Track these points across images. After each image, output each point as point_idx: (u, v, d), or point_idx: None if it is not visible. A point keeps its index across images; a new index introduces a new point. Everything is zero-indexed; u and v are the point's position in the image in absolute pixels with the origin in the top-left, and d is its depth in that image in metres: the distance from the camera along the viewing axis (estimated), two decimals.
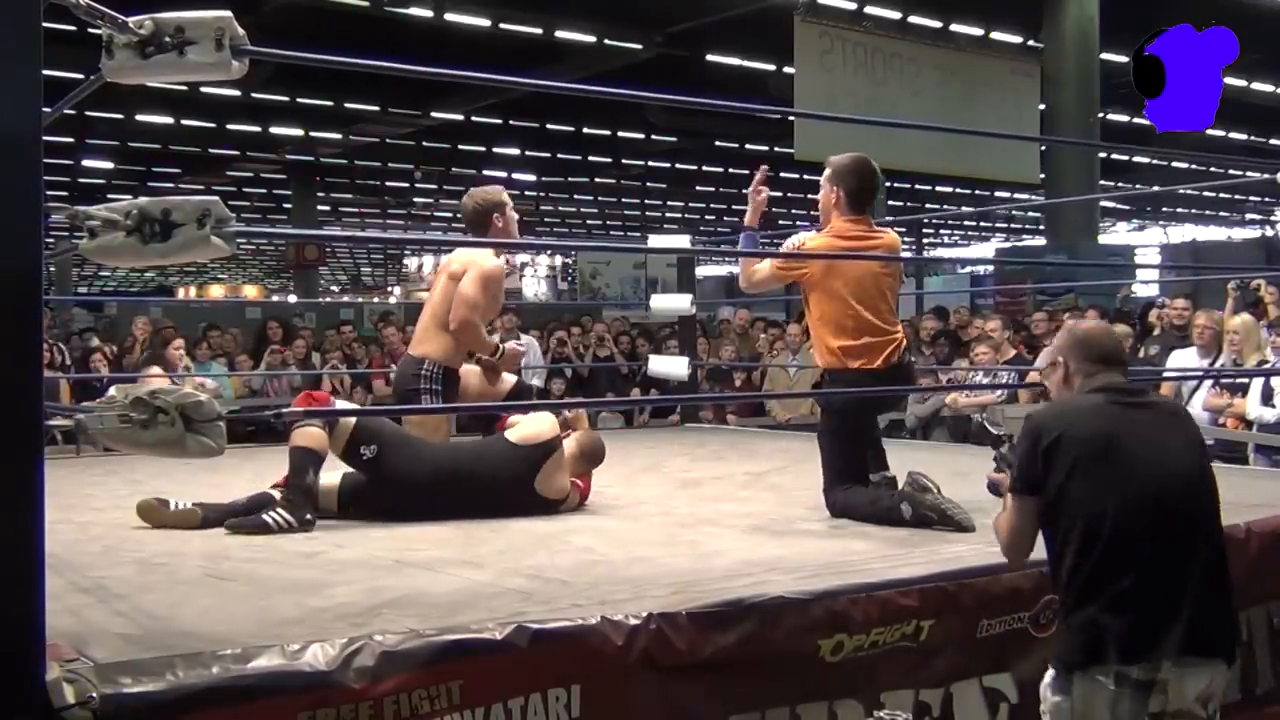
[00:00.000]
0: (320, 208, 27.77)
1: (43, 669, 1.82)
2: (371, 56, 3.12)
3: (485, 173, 25.66)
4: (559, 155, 23.56)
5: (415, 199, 29.71)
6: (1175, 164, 25.74)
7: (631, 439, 6.74)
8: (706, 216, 34.37)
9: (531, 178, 25.28)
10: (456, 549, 3.27)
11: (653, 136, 21.83)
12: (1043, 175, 16.64)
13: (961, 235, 39.75)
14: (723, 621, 2.43)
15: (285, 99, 17.93)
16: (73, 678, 1.85)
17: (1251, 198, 32.15)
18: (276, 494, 3.80)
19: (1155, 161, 25.26)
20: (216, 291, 38.35)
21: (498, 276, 4.47)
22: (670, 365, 6.27)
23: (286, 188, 26.07)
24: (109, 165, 22.80)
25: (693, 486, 4.63)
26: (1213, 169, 24.13)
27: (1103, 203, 24.86)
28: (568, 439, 4.06)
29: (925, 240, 35.39)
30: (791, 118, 15.72)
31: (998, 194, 23.76)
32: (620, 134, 21.92)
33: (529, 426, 4.01)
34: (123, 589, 2.74)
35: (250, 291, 39.60)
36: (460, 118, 19.43)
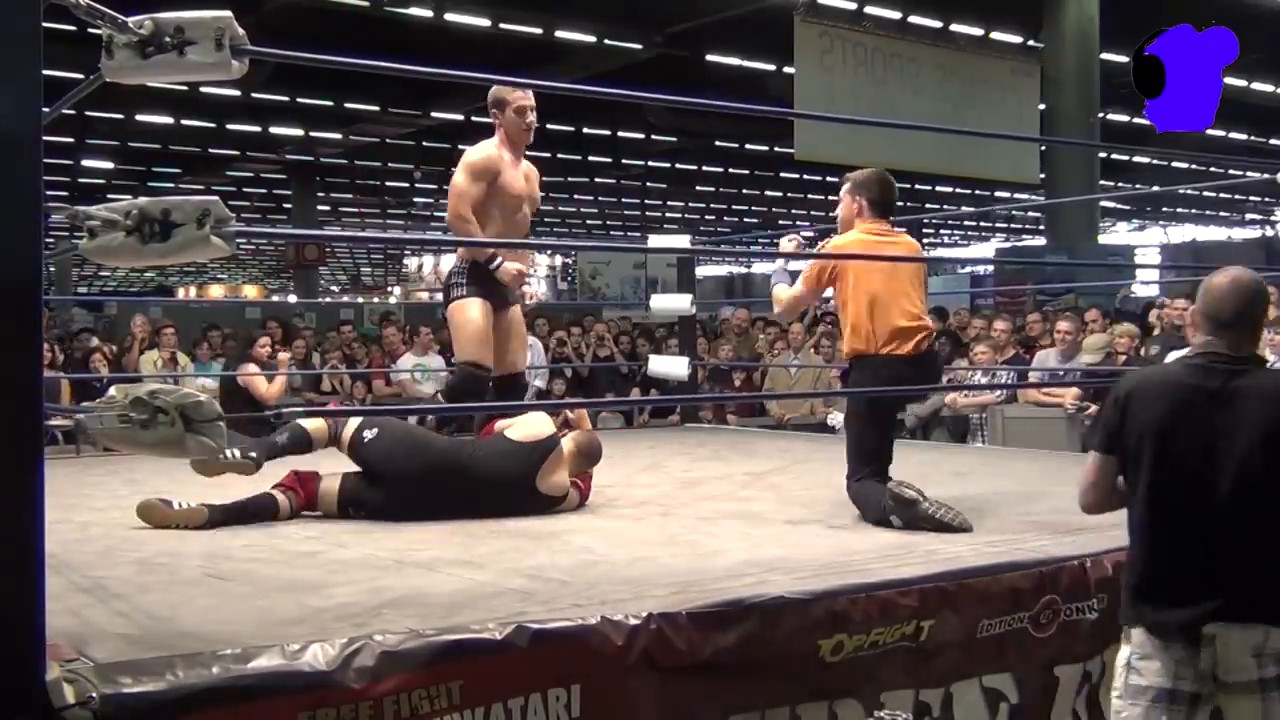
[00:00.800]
0: (320, 208, 27.76)
1: (43, 669, 1.82)
2: (371, 56, 3.12)
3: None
4: (559, 155, 23.55)
5: (415, 199, 29.70)
6: (1175, 164, 25.74)
7: (631, 439, 6.74)
8: (706, 216, 34.36)
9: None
10: (456, 549, 3.27)
11: (653, 136, 21.82)
12: (1043, 175, 16.64)
13: (961, 235, 39.76)
14: (723, 621, 2.43)
15: (285, 99, 17.93)
16: (73, 678, 1.84)
17: (1251, 198, 32.15)
18: (278, 494, 3.81)
19: (1155, 161, 25.26)
20: (216, 291, 38.35)
21: (478, 163, 4.51)
22: (670, 365, 6.27)
23: (286, 188, 26.07)
24: (109, 165, 22.80)
25: (693, 486, 4.62)
26: (1213, 169, 24.13)
27: (1103, 203, 24.86)
28: (565, 438, 4.06)
29: (925, 240, 35.39)
30: (791, 118, 15.72)
31: (998, 194, 23.76)
32: (620, 134, 21.92)
33: (528, 425, 4.01)
34: (123, 589, 2.73)
35: (250, 291, 39.60)
36: (460, 118, 19.42)
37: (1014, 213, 33.40)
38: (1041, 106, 15.70)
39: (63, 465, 5.55)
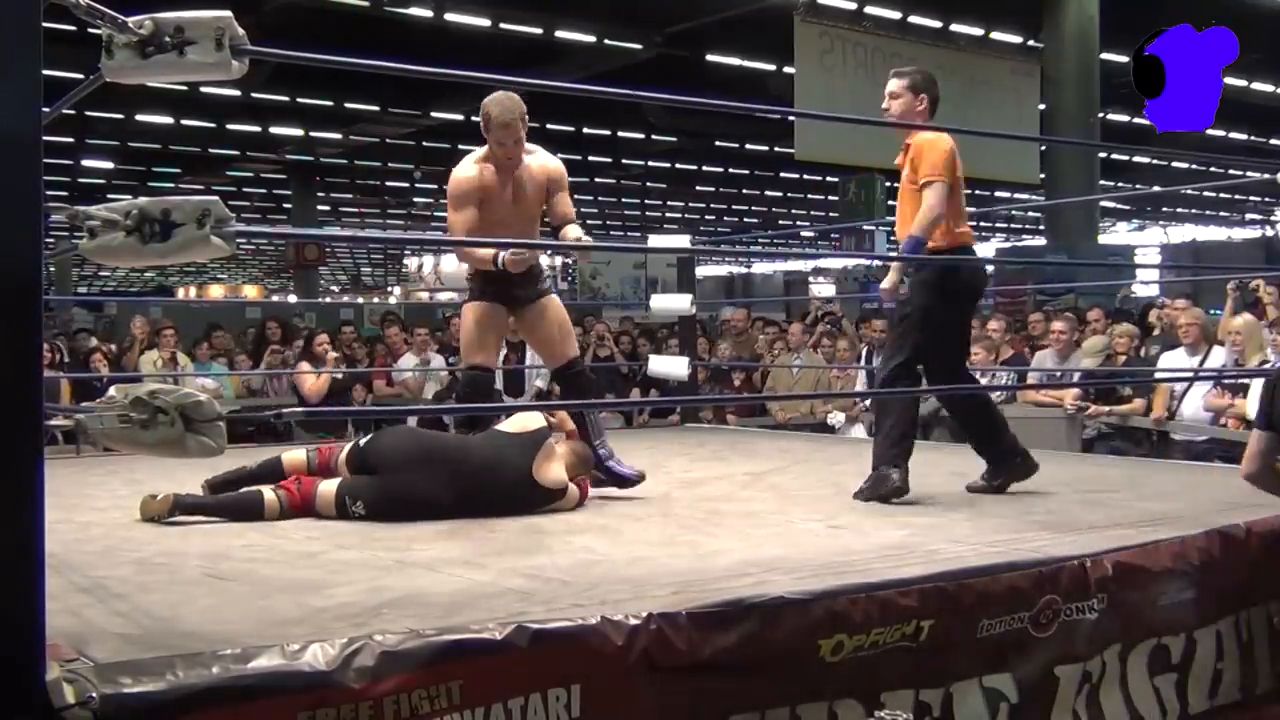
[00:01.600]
0: (320, 208, 27.78)
1: (43, 669, 1.82)
2: (371, 56, 3.12)
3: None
4: (559, 155, 23.56)
5: (415, 199, 29.72)
6: (1175, 164, 25.76)
7: (631, 439, 6.73)
8: (706, 216, 34.38)
9: None
10: (456, 549, 3.27)
11: (653, 136, 21.83)
12: (1043, 175, 16.64)
13: None
14: (723, 621, 2.43)
15: (285, 99, 17.94)
16: (73, 678, 1.84)
17: (1251, 198, 32.17)
18: (267, 492, 3.82)
19: (1155, 161, 25.27)
20: (216, 291, 38.34)
21: (457, 191, 4.44)
22: (670, 365, 6.27)
23: (286, 188, 26.09)
24: (109, 165, 22.82)
25: (693, 486, 4.62)
26: (1213, 169, 24.15)
27: (1103, 203, 24.87)
28: (555, 437, 4.07)
29: None
30: (791, 118, 15.72)
31: (998, 194, 23.76)
32: (620, 134, 21.93)
33: (520, 418, 4.06)
34: (123, 589, 2.74)
35: (250, 291, 39.60)
36: (460, 118, 19.42)
37: (1014, 213, 33.40)
38: (1041, 106, 15.71)
39: (63, 465, 5.55)
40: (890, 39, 14.96)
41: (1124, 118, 17.84)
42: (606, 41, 15.61)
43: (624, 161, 24.44)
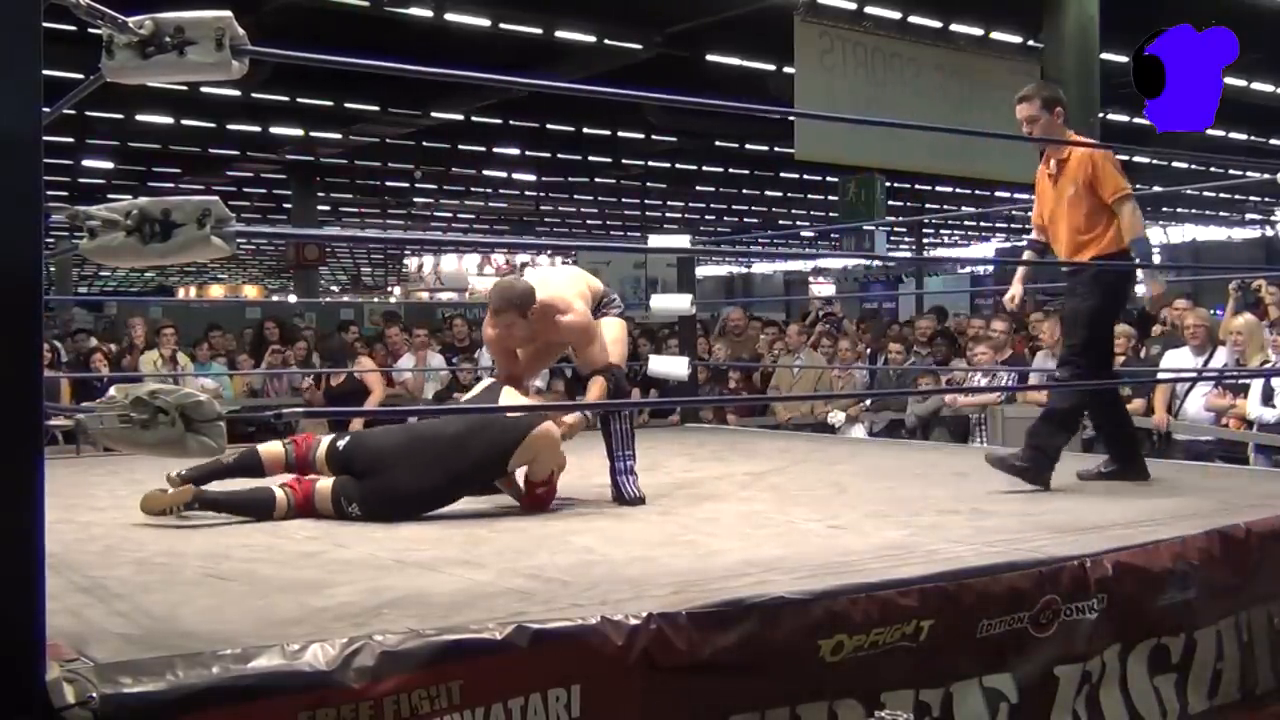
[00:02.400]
0: (320, 208, 27.76)
1: (43, 669, 1.82)
2: (371, 56, 3.12)
3: (485, 173, 25.68)
4: (559, 155, 23.55)
5: (415, 199, 29.71)
6: (1175, 164, 25.73)
7: None
8: (706, 216, 34.37)
9: (531, 178, 25.28)
10: (456, 549, 3.27)
11: (653, 136, 21.82)
12: None
13: (961, 235, 39.75)
14: (723, 621, 2.43)
15: (285, 99, 17.93)
16: (73, 678, 1.84)
17: (1251, 198, 32.16)
18: (278, 490, 3.82)
19: (1155, 161, 25.25)
20: (216, 291, 38.37)
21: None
22: (670, 365, 6.26)
23: (286, 188, 26.07)
24: (109, 165, 22.81)
25: (693, 486, 4.63)
26: (1213, 169, 24.13)
27: None
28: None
29: (925, 240, 35.39)
30: (791, 118, 15.71)
31: (998, 194, 23.75)
32: (620, 134, 21.91)
33: (512, 395, 4.12)
34: (123, 589, 2.74)
35: (250, 291, 39.61)
36: (460, 118, 19.43)
37: (1014, 213, 33.38)
38: None
39: (63, 465, 5.55)
40: (890, 39, 14.95)
41: (1124, 118, 17.83)
42: (606, 41, 15.60)
43: (624, 161, 24.42)
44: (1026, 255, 4.81)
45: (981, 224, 36.93)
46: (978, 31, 15.91)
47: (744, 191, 29.72)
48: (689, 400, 7.64)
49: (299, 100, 18.12)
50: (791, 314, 13.14)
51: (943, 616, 2.71)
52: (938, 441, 7.49)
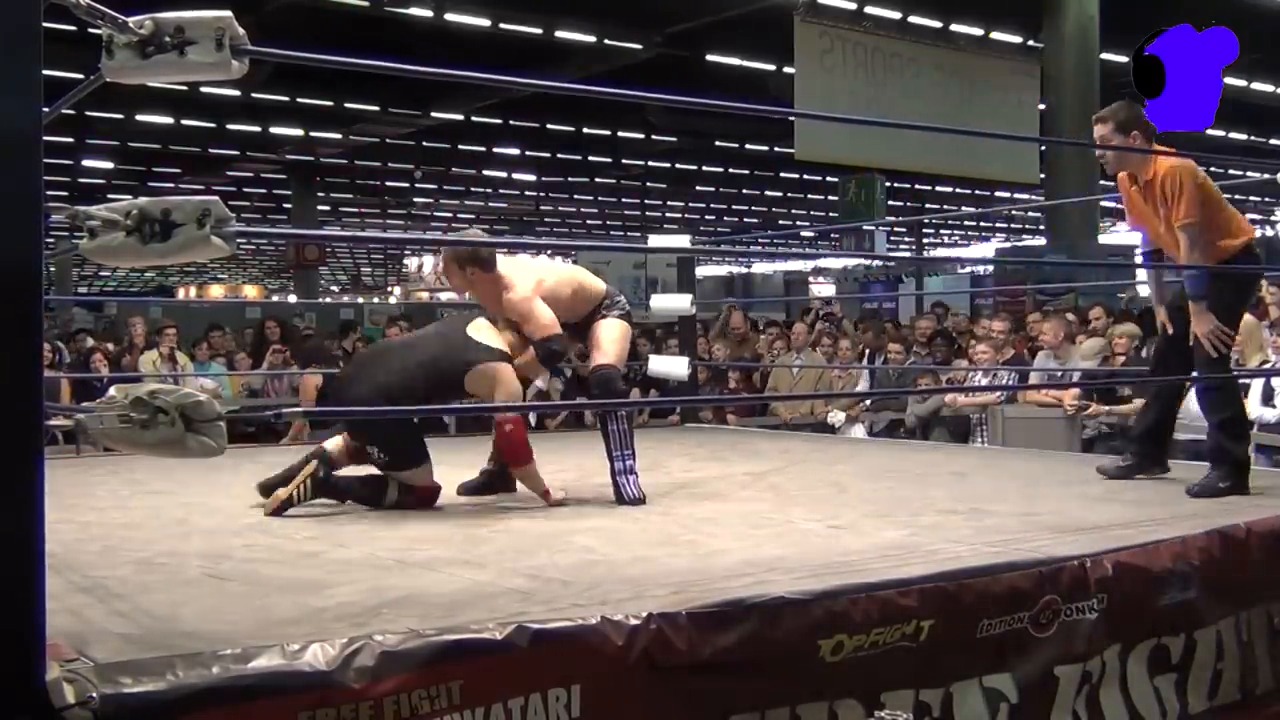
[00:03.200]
0: (320, 208, 27.79)
1: (43, 669, 1.82)
2: (371, 56, 3.12)
3: (485, 173, 25.69)
4: (559, 155, 23.57)
5: (415, 199, 29.73)
6: None
7: None
8: (706, 216, 34.39)
9: (531, 178, 25.30)
10: (456, 549, 3.27)
11: (653, 136, 21.84)
12: (1043, 175, 16.63)
13: (961, 235, 39.77)
14: (723, 621, 2.43)
15: (285, 99, 17.95)
16: (73, 678, 1.84)
17: (1251, 198, 32.17)
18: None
19: None
20: (216, 291, 38.37)
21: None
22: (670, 365, 6.26)
23: (286, 188, 26.09)
24: (109, 165, 22.83)
25: (693, 486, 4.62)
26: (1213, 169, 24.11)
27: (1103, 203, 24.84)
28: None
29: (925, 240, 35.39)
30: (791, 118, 15.72)
31: (998, 194, 23.76)
32: (620, 134, 21.94)
33: (492, 334, 4.21)
34: (123, 589, 2.73)
35: (250, 291, 39.62)
36: (460, 118, 19.44)
37: (1014, 213, 33.40)
38: (1041, 106, 15.70)
39: (63, 465, 5.55)
40: (890, 39, 14.97)
41: None
42: (606, 41, 15.61)
43: (624, 161, 24.45)
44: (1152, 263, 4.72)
45: (981, 224, 36.95)
46: (978, 31, 15.93)
47: (744, 191, 29.75)
48: (689, 400, 7.64)
49: (299, 100, 18.13)
50: (792, 314, 13.13)
51: (943, 616, 2.70)
52: (938, 441, 7.49)
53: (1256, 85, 17.74)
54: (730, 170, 26.66)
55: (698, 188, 29.45)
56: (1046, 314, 8.72)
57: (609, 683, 2.28)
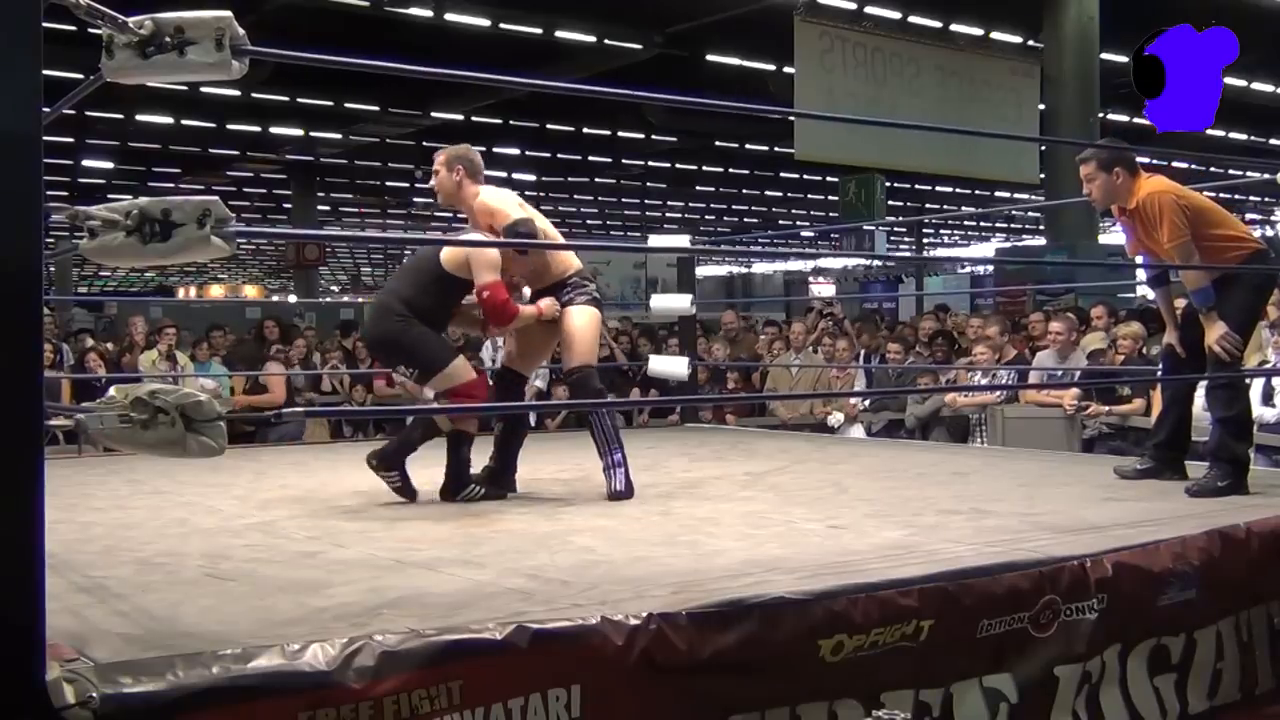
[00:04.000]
0: (320, 208, 27.77)
1: (43, 669, 1.82)
2: (371, 56, 3.12)
3: (485, 173, 25.64)
4: (559, 155, 23.56)
5: (415, 199, 29.71)
6: (1175, 164, 25.73)
7: (631, 439, 6.73)
8: (706, 216, 34.38)
9: (531, 178, 25.29)
10: (456, 549, 3.27)
11: (653, 136, 21.83)
12: (1042, 175, 16.63)
13: (961, 235, 39.76)
14: (723, 621, 2.43)
15: (285, 99, 17.94)
16: (73, 678, 1.84)
17: (1251, 198, 32.16)
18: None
19: (1155, 161, 25.20)
20: (216, 291, 38.35)
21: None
22: (670, 365, 6.27)
23: (286, 188, 26.08)
24: (109, 165, 22.82)
25: (693, 486, 4.63)
26: (1213, 169, 24.14)
27: None
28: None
29: (925, 240, 35.39)
30: (791, 118, 15.72)
31: (998, 194, 23.75)
32: (620, 134, 21.93)
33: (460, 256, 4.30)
34: (123, 589, 2.74)
35: (250, 291, 39.60)
36: (460, 118, 19.42)
37: (1014, 213, 33.39)
38: (1041, 106, 15.70)
39: (63, 465, 5.55)
40: (890, 39, 14.97)
41: (1124, 118, 17.84)
42: (606, 41, 15.61)
43: (624, 161, 24.43)
44: (1158, 290, 4.75)
45: (981, 224, 36.94)
46: (978, 31, 15.92)
47: (744, 191, 29.73)
48: (689, 400, 7.64)
49: (299, 100, 18.13)
50: (792, 314, 13.12)
51: (943, 616, 2.70)
52: (938, 441, 7.49)
53: (1256, 85, 17.75)
54: (730, 170, 26.65)
55: (698, 188, 29.44)
56: (1048, 314, 8.70)
57: (609, 683, 2.28)
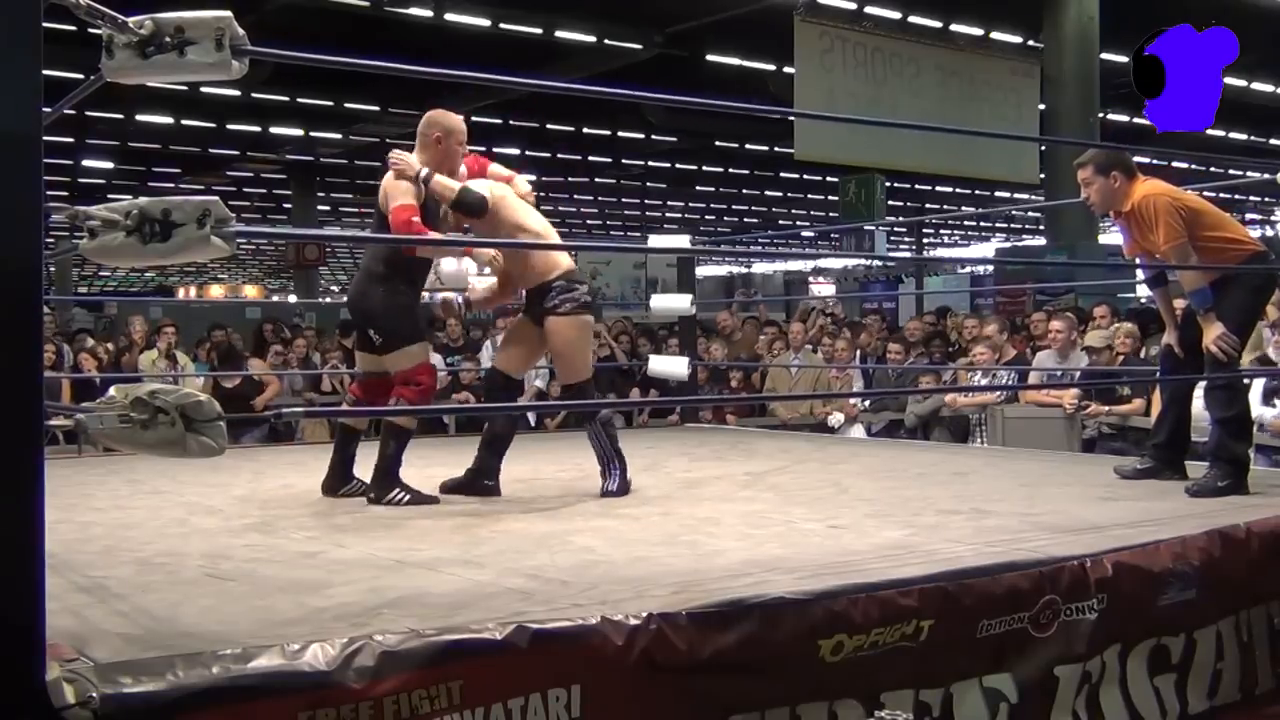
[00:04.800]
0: (320, 208, 27.76)
1: (43, 669, 1.82)
2: (371, 56, 3.12)
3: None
4: (559, 155, 23.55)
5: None
6: (1175, 164, 25.73)
7: (632, 439, 6.73)
8: (706, 216, 34.37)
9: (531, 178, 25.25)
10: (456, 549, 3.27)
11: (653, 136, 21.83)
12: (1042, 175, 16.63)
13: (961, 235, 39.76)
14: (723, 621, 2.43)
15: (285, 99, 17.94)
16: (73, 678, 1.84)
17: (1251, 198, 32.16)
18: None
19: (1155, 161, 25.21)
20: (216, 291, 38.34)
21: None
22: (670, 365, 6.27)
23: (286, 188, 26.07)
24: (109, 165, 22.81)
25: (693, 486, 4.63)
26: (1213, 169, 24.14)
27: None
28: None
29: (925, 240, 35.39)
30: (791, 118, 15.72)
31: (998, 194, 23.74)
32: (620, 134, 21.92)
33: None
34: (123, 589, 2.74)
35: (250, 291, 39.60)
36: (460, 118, 19.41)
37: (1014, 213, 33.39)
38: (1041, 106, 15.70)
39: (63, 465, 5.55)
40: (890, 39, 14.97)
41: (1124, 118, 17.84)
42: (606, 41, 15.61)
43: (624, 161, 24.43)
44: (1157, 289, 4.73)
45: (981, 224, 36.93)
46: (978, 31, 15.92)
47: (744, 191, 29.73)
48: (689, 400, 7.64)
49: (299, 100, 18.12)
50: (791, 314, 13.12)
51: (943, 616, 2.70)
52: (938, 441, 7.49)
53: (1256, 85, 17.74)
54: (730, 170, 26.65)
55: (698, 188, 29.44)
56: (1049, 314, 8.71)
57: (609, 683, 2.28)
